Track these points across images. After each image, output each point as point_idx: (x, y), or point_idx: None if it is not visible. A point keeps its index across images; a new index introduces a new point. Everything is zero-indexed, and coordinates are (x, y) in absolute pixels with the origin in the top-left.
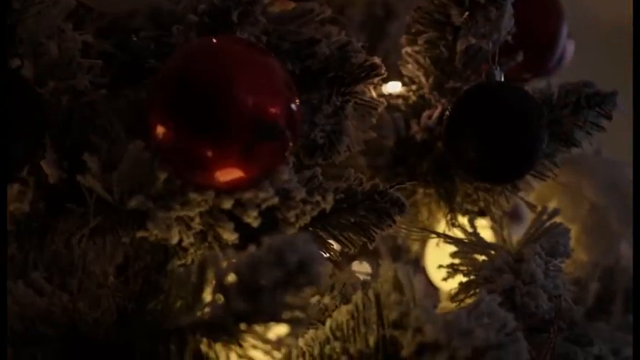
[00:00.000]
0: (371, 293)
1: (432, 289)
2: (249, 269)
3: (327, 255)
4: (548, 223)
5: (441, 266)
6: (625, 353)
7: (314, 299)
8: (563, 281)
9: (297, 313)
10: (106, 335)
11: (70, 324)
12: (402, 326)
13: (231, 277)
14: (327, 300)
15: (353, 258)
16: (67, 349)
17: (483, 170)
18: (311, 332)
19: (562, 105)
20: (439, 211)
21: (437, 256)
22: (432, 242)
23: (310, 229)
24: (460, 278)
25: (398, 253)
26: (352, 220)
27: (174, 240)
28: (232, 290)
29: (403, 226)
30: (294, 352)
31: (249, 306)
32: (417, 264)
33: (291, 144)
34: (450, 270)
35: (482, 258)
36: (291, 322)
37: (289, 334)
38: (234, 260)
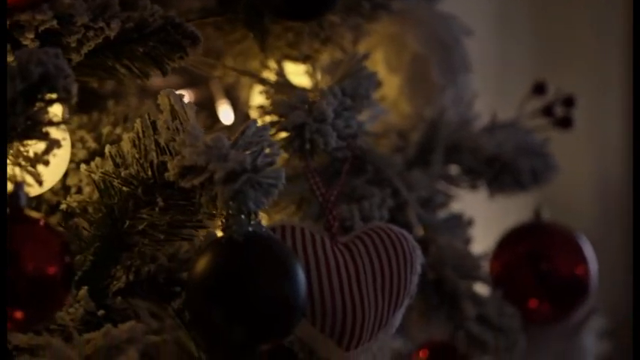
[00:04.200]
0: (148, 120)
1: None
2: None
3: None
4: (355, 67)
5: (251, 107)
6: (437, 201)
7: (106, 129)
8: (359, 122)
9: (50, 130)
10: None
11: None
12: (171, 151)
13: None
14: (119, 130)
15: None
16: None
17: (280, 6)
18: (97, 159)
19: None
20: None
21: (255, 99)
22: (257, 86)
23: (100, 56)
24: (269, 118)
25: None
26: (142, 50)
27: None
28: None
29: (230, 68)
30: (85, 181)
31: None
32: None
33: None
34: (260, 111)
35: None
36: (45, 139)
37: (46, 152)
38: None
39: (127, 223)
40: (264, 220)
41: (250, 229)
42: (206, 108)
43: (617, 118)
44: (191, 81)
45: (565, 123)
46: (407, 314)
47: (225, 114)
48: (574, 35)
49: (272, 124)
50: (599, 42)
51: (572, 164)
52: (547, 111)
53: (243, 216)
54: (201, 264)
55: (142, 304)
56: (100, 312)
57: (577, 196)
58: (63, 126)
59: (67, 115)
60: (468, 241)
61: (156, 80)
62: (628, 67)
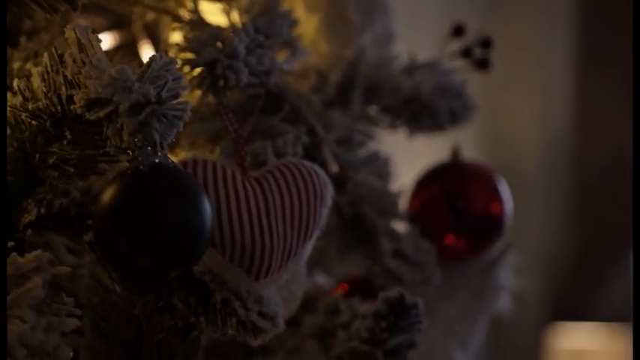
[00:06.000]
0: (55, 54)
1: None
2: None
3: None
4: (270, 5)
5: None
6: (356, 140)
7: (17, 65)
8: (272, 60)
9: None
10: None
11: None
12: (79, 85)
13: None
14: (29, 66)
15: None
16: None
17: None
18: (8, 94)
19: None
20: None
21: (172, 38)
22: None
23: None
24: (183, 56)
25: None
26: None
27: None
28: None
29: (147, 6)
30: None
31: None
32: None
33: None
34: (176, 48)
35: None
36: None
37: None
38: None
39: (38, 157)
40: (181, 156)
41: (157, 160)
42: (129, 48)
43: (562, 61)
44: (115, 22)
45: (483, 64)
46: (326, 251)
47: (147, 54)
48: None
49: (186, 61)
50: None
51: (518, 107)
52: (466, 52)
53: (149, 147)
54: (107, 195)
55: (57, 238)
56: (10, 244)
57: (523, 138)
58: None
59: None
60: (386, 178)
61: (80, 21)
62: (575, 7)
